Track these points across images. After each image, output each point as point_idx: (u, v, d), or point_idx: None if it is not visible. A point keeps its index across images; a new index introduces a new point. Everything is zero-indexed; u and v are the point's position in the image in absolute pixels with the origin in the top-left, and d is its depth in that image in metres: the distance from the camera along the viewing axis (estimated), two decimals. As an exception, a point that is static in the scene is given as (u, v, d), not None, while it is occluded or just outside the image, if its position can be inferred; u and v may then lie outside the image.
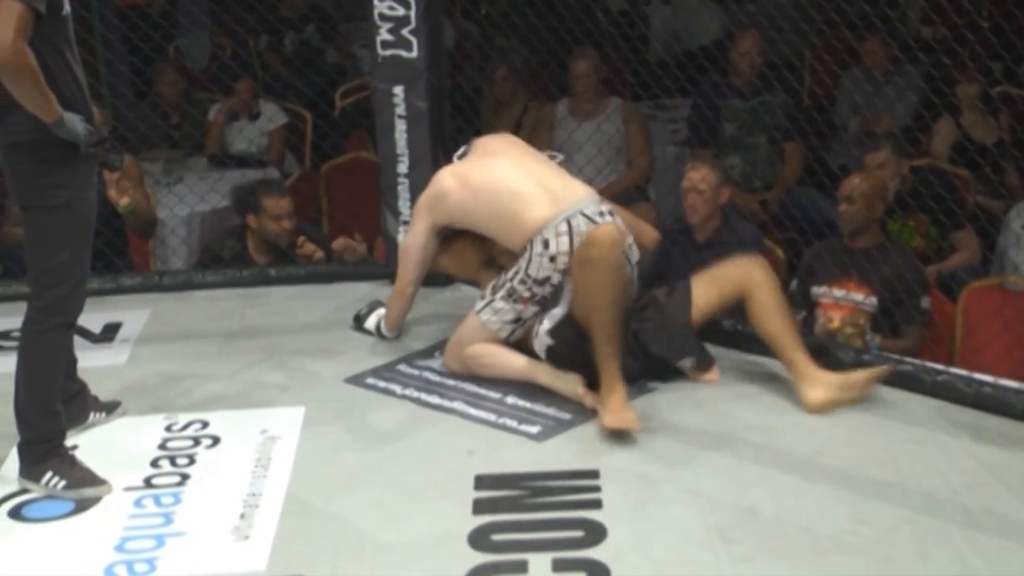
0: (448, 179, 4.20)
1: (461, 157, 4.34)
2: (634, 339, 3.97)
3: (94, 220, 3.47)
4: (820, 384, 3.82)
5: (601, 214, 3.98)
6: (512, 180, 4.08)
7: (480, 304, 4.10)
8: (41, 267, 3.38)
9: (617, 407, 3.65)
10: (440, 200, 4.21)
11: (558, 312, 3.92)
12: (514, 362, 4.05)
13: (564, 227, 3.93)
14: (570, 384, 3.88)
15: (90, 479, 3.47)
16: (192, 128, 6.86)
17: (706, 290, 4.02)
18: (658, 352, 3.99)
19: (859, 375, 3.85)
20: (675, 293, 4.05)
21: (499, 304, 4.05)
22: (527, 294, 4.01)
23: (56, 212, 3.34)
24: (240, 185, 5.41)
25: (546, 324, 3.95)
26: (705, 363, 4.05)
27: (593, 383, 3.80)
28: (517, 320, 4.05)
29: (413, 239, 4.32)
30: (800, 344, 3.88)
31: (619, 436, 3.63)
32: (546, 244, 3.94)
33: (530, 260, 3.97)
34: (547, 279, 3.97)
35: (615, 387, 3.70)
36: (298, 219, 5.40)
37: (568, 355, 3.91)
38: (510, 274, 4.04)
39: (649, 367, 4.03)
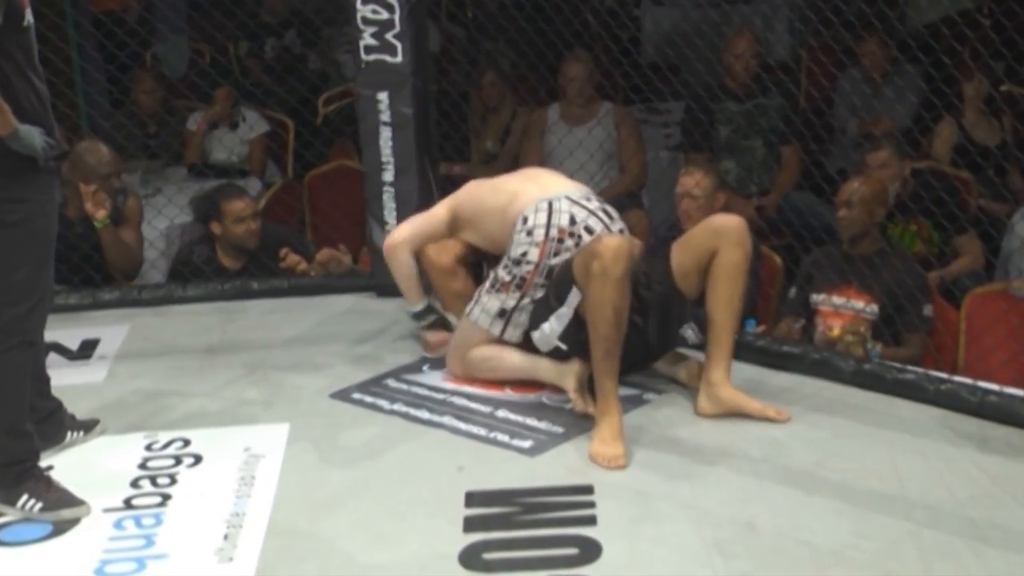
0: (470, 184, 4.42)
1: None
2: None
3: (55, 236, 3.46)
4: (714, 400, 3.84)
5: (587, 199, 4.07)
6: (512, 181, 4.25)
7: (470, 305, 4.15)
8: (1, 284, 3.36)
9: (608, 436, 3.65)
10: (460, 195, 4.36)
11: (565, 312, 3.92)
12: (514, 361, 4.10)
13: (544, 205, 4.02)
14: (569, 376, 3.93)
15: (67, 500, 3.47)
16: (170, 137, 6.86)
17: (681, 257, 3.96)
18: (655, 327, 3.98)
19: (755, 408, 3.82)
20: (655, 267, 4.03)
21: (484, 298, 4.11)
22: (507, 278, 4.04)
23: (14, 227, 3.32)
24: (197, 196, 5.46)
25: (554, 325, 3.95)
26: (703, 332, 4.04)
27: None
28: (502, 313, 4.08)
29: (427, 213, 4.45)
30: (728, 340, 3.86)
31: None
32: (524, 220, 4.03)
33: (512, 243, 4.04)
34: (523, 255, 4.01)
35: (609, 410, 3.69)
36: (281, 230, 5.41)
37: (583, 357, 3.91)
38: (496, 267, 4.12)
39: (651, 347, 4.03)
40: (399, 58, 4.80)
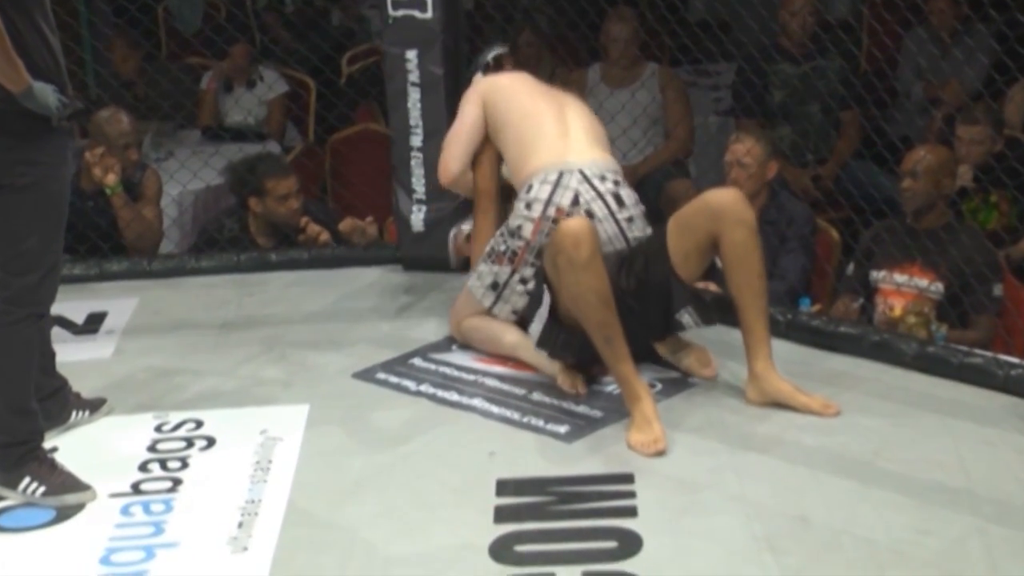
0: (514, 80, 4.38)
1: (485, 67, 4.49)
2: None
3: (67, 201, 3.48)
4: (761, 391, 3.82)
5: (602, 178, 4.04)
6: (544, 120, 4.19)
7: (470, 275, 4.25)
8: (8, 253, 3.37)
9: (641, 421, 3.65)
10: (498, 90, 4.34)
11: (543, 312, 3.92)
12: (503, 336, 4.17)
13: (554, 176, 4.02)
14: (551, 366, 3.98)
15: (72, 484, 3.49)
16: (183, 97, 6.87)
17: (679, 239, 3.93)
18: (654, 312, 3.97)
19: (799, 402, 3.78)
20: (651, 240, 4.02)
21: (481, 267, 4.18)
22: (502, 248, 4.09)
23: (25, 191, 3.33)
24: (236, 163, 5.38)
25: (535, 327, 3.95)
26: (708, 317, 3.99)
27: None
28: (495, 285, 4.13)
29: (461, 122, 4.39)
30: (763, 325, 3.82)
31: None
32: (528, 188, 4.05)
33: (514, 207, 4.08)
34: (519, 229, 4.05)
35: (636, 394, 3.69)
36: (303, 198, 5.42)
37: (566, 358, 3.94)
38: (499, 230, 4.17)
39: (646, 332, 4.03)
40: (429, 13, 4.79)
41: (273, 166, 5.27)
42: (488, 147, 4.34)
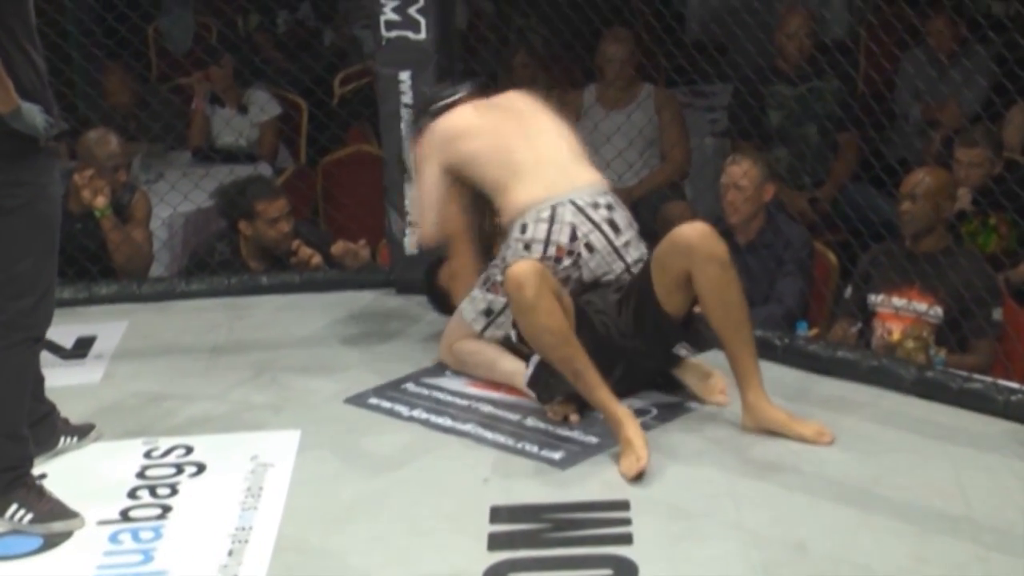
0: (464, 118, 4.26)
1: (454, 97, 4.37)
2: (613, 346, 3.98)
3: (59, 223, 3.48)
4: (756, 421, 3.81)
5: (595, 206, 4.05)
6: (514, 148, 4.14)
7: (463, 301, 4.25)
8: (2, 277, 3.37)
9: (624, 446, 3.64)
10: (456, 138, 4.23)
11: (536, 356, 3.95)
12: (499, 363, 4.18)
13: (547, 213, 4.01)
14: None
15: (60, 512, 3.48)
16: (173, 119, 6.88)
17: (659, 276, 3.92)
18: (633, 343, 3.99)
19: (795, 430, 3.77)
20: (637, 284, 4.01)
21: (475, 292, 4.20)
22: (499, 278, 4.08)
23: (15, 214, 3.33)
24: (225, 187, 5.39)
25: (528, 371, 3.98)
26: (702, 346, 4.03)
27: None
28: (488, 312, 4.17)
29: (424, 185, 4.30)
30: (750, 354, 3.82)
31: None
32: (523, 229, 4.04)
33: (508, 247, 4.07)
34: None
35: (616, 419, 3.68)
36: (294, 221, 5.41)
37: (554, 398, 3.96)
38: (493, 262, 4.18)
39: (649, 364, 4.06)
40: (422, 34, 4.80)
41: (263, 188, 5.27)
42: (451, 192, 4.28)
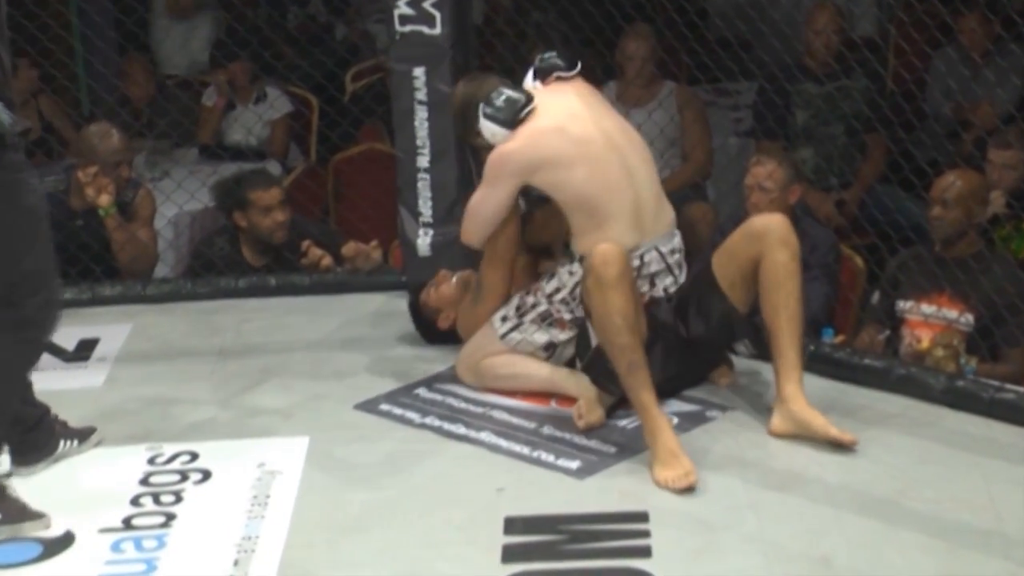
0: (550, 144, 4.00)
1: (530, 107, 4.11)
2: (674, 336, 4.00)
3: (46, 215, 3.49)
4: (787, 416, 3.82)
5: (672, 251, 4.08)
6: (615, 186, 3.99)
7: (503, 326, 4.16)
8: (13, 274, 3.40)
9: (666, 455, 3.64)
10: (543, 167, 4.01)
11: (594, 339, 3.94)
12: (538, 371, 4.15)
13: (636, 263, 3.97)
14: (590, 387, 3.97)
15: (28, 512, 3.49)
16: (180, 115, 6.89)
17: (724, 268, 3.98)
18: (703, 334, 4.02)
19: (824, 429, 3.76)
20: (700, 277, 4.05)
21: (529, 327, 4.13)
22: (568, 316, 4.06)
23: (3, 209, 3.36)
24: (221, 180, 5.46)
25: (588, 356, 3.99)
26: (761, 350, 4.06)
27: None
28: (549, 346, 4.14)
29: (489, 202, 4.15)
30: (796, 352, 3.85)
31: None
32: None
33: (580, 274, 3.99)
34: None
35: (657, 426, 3.68)
36: (304, 220, 5.42)
37: (608, 386, 3.94)
38: (548, 291, 4.09)
39: (698, 369, 4.10)
40: (437, 29, 4.80)
41: (255, 177, 5.32)
42: (513, 215, 4.20)
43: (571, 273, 4.03)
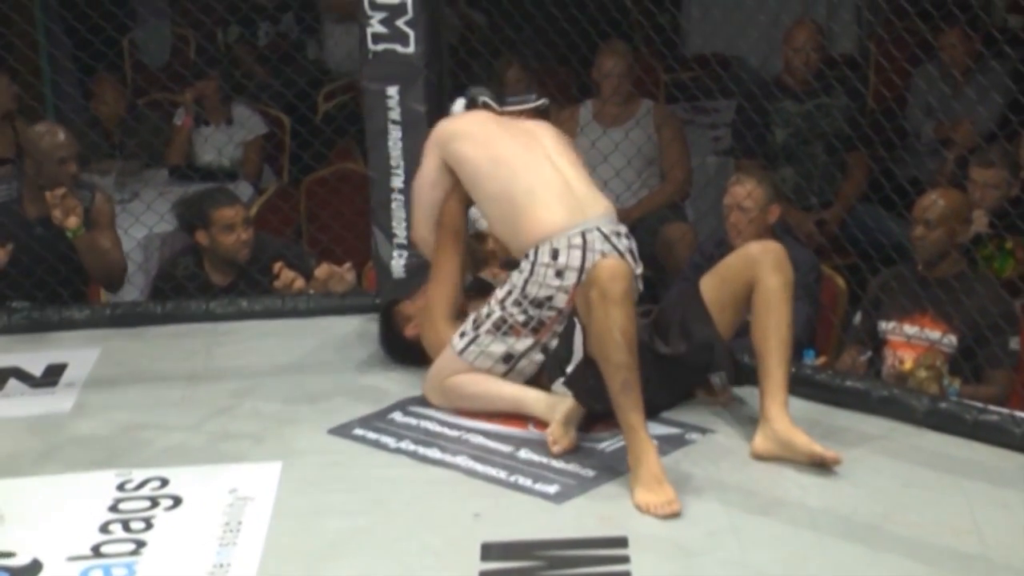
0: (474, 123, 4.30)
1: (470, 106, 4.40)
2: (649, 352, 4.00)
3: None
4: (770, 436, 3.83)
5: (617, 235, 4.08)
6: (534, 174, 4.13)
7: (460, 342, 4.17)
8: None
9: (650, 480, 3.64)
10: (457, 138, 4.27)
11: (579, 351, 3.93)
12: (501, 390, 4.14)
13: (579, 240, 4.00)
14: (560, 408, 3.96)
15: None
16: (150, 135, 6.89)
17: (715, 291, 4.02)
18: (681, 354, 4.03)
19: (807, 447, 3.78)
20: (685, 298, 4.07)
21: (485, 339, 4.13)
22: (521, 318, 4.06)
23: None
24: (182, 199, 5.48)
25: (568, 368, 3.98)
26: (736, 378, 4.10)
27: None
28: (508, 357, 4.12)
29: (420, 179, 4.38)
30: (783, 374, 3.88)
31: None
32: (555, 255, 4.01)
33: (531, 274, 4.02)
34: (548, 299, 4.02)
35: (643, 449, 3.68)
36: (275, 241, 5.42)
37: (591, 403, 3.92)
38: (500, 296, 4.11)
39: (672, 389, 4.10)
40: (411, 48, 4.81)
41: (217, 194, 5.34)
42: (456, 186, 4.30)
43: (520, 271, 4.06)
